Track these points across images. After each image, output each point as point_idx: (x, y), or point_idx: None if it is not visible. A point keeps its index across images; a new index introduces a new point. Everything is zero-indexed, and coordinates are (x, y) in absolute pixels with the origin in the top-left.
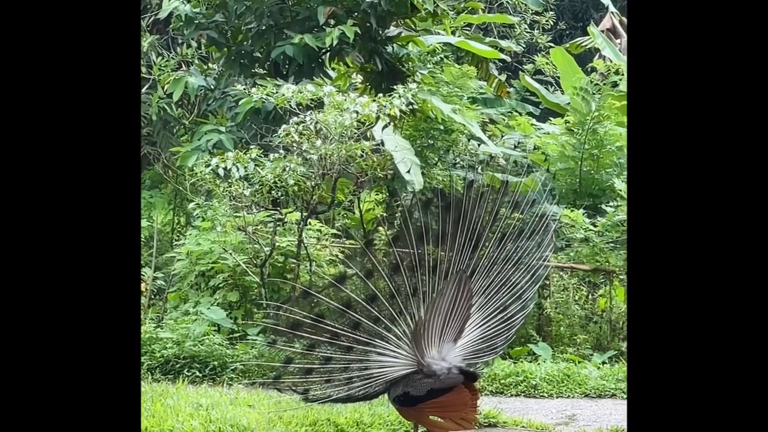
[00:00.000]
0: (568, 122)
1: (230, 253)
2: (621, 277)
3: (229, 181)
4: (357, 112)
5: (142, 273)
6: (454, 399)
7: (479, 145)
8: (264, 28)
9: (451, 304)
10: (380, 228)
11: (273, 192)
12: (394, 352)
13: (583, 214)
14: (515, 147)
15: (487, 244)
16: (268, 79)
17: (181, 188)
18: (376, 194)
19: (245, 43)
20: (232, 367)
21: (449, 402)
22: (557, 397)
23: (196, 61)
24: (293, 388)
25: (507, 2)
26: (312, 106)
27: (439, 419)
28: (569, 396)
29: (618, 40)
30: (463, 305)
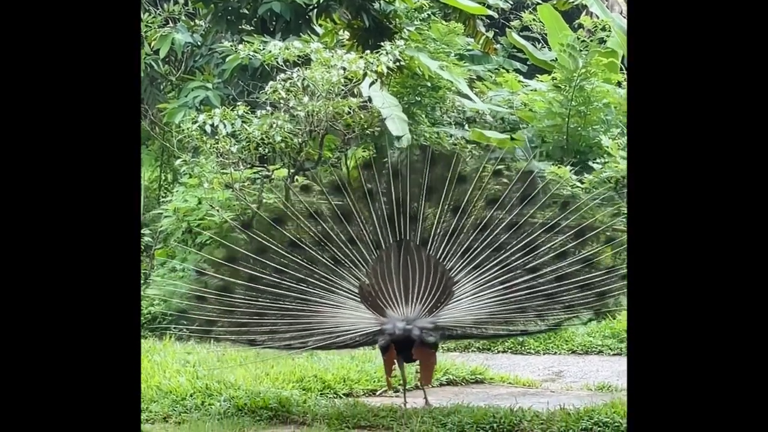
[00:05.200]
0: (555, 79)
1: (217, 210)
2: (608, 233)
3: (216, 137)
4: (344, 69)
5: None
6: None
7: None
8: None
9: (405, 271)
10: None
11: (260, 149)
12: (351, 307)
13: (570, 170)
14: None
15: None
16: (255, 35)
17: (168, 145)
18: (364, 151)
19: None
20: (219, 324)
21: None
22: (544, 354)
23: (183, 18)
24: (232, 337)
25: None
26: (299, 62)
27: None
28: (556, 352)
29: None
30: (431, 275)
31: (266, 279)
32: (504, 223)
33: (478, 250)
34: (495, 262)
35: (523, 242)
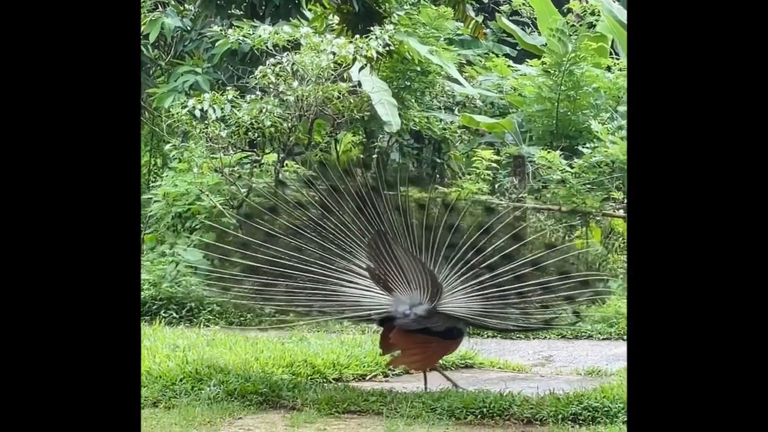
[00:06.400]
0: (545, 63)
1: (207, 195)
2: (597, 218)
3: (206, 122)
4: (334, 54)
5: None
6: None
7: None
8: None
9: (391, 260)
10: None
11: (249, 133)
12: (365, 287)
13: (560, 155)
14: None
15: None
16: (244, 20)
17: (157, 129)
18: (353, 135)
19: None
20: (209, 309)
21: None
22: (533, 339)
23: (173, 2)
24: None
25: None
26: (289, 47)
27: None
28: (545, 337)
29: None
30: (412, 264)
31: (292, 256)
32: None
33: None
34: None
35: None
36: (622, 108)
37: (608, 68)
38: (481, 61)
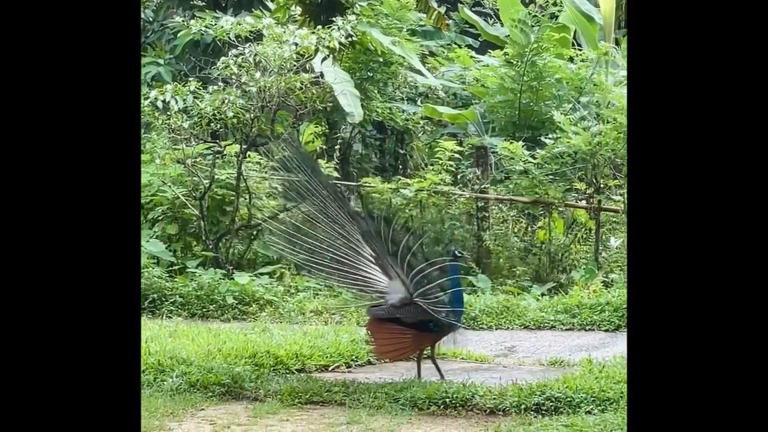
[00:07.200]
0: (507, 54)
1: (169, 186)
2: (560, 209)
3: (168, 113)
4: (296, 45)
5: None
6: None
7: None
8: None
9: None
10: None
11: (212, 124)
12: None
13: (522, 146)
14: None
15: None
16: (207, 11)
17: None
18: (316, 126)
19: None
20: (172, 300)
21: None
22: (496, 329)
23: None
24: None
25: None
26: (251, 38)
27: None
28: (508, 328)
29: None
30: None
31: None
32: None
33: None
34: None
35: None
36: (585, 99)
37: (570, 59)
38: (443, 52)
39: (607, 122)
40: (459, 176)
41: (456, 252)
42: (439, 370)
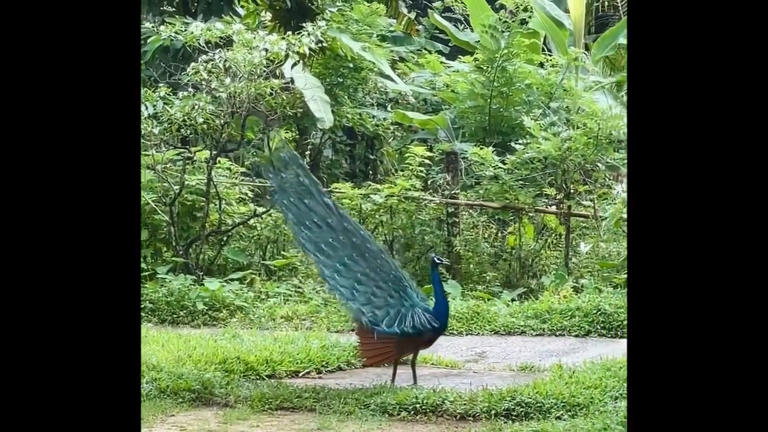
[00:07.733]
0: (478, 60)
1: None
2: (530, 214)
3: None
4: (266, 50)
5: None
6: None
7: None
8: None
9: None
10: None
11: (182, 130)
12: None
13: (493, 151)
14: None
15: None
16: (176, 16)
17: None
18: (286, 132)
19: None
20: (142, 306)
21: None
22: (467, 335)
23: None
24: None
25: None
26: (221, 44)
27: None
28: (479, 333)
29: None
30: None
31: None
32: None
33: None
34: None
35: None
36: (555, 104)
37: (541, 64)
38: (413, 58)
39: (577, 128)
40: (429, 182)
41: (436, 258)
42: (415, 375)
